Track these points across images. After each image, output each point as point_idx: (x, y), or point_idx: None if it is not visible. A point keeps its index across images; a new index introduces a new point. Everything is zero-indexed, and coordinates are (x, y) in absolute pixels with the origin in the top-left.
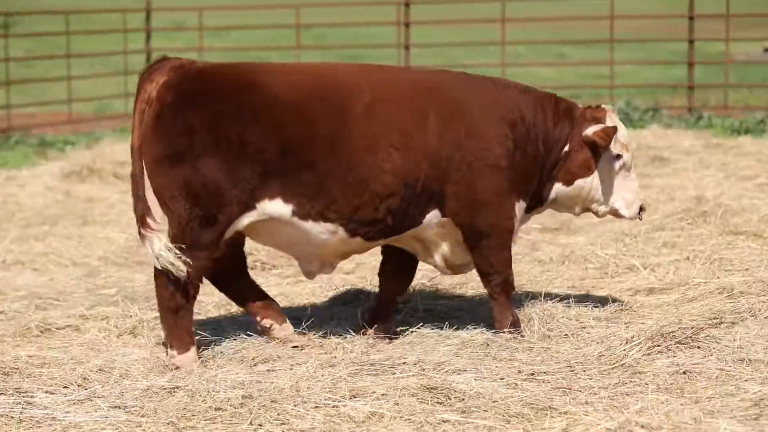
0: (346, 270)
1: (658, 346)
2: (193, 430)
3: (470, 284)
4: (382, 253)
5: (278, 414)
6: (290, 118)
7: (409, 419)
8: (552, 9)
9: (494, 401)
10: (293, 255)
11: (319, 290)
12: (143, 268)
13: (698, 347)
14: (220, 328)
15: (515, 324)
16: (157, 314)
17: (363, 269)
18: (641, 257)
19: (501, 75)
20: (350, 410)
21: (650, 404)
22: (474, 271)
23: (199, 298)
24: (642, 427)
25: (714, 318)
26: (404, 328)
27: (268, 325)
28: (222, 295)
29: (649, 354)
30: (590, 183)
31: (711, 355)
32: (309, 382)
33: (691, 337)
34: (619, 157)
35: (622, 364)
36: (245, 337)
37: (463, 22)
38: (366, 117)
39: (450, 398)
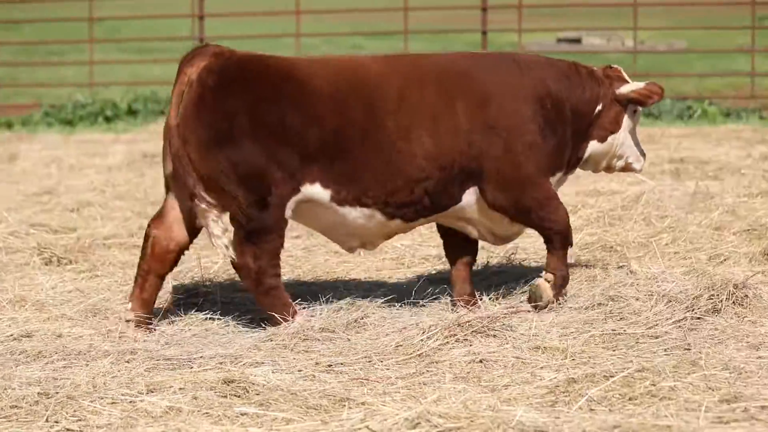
0: None
1: (455, 335)
2: None
3: None
4: (440, 233)
5: (75, 410)
6: (327, 107)
7: (207, 413)
8: (348, 1)
9: (292, 393)
10: (335, 239)
11: (114, 285)
12: None
13: (494, 336)
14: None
15: (564, 279)
16: None
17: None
18: (437, 247)
19: None
20: (147, 405)
21: (448, 393)
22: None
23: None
24: (440, 416)
25: (511, 307)
26: (205, 318)
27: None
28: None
29: (446, 343)
30: (620, 138)
31: (507, 344)
32: (105, 377)
33: (487, 326)
34: (635, 112)
35: (419, 354)
36: (43, 334)
37: (257, 14)
38: (396, 105)
39: (248, 391)
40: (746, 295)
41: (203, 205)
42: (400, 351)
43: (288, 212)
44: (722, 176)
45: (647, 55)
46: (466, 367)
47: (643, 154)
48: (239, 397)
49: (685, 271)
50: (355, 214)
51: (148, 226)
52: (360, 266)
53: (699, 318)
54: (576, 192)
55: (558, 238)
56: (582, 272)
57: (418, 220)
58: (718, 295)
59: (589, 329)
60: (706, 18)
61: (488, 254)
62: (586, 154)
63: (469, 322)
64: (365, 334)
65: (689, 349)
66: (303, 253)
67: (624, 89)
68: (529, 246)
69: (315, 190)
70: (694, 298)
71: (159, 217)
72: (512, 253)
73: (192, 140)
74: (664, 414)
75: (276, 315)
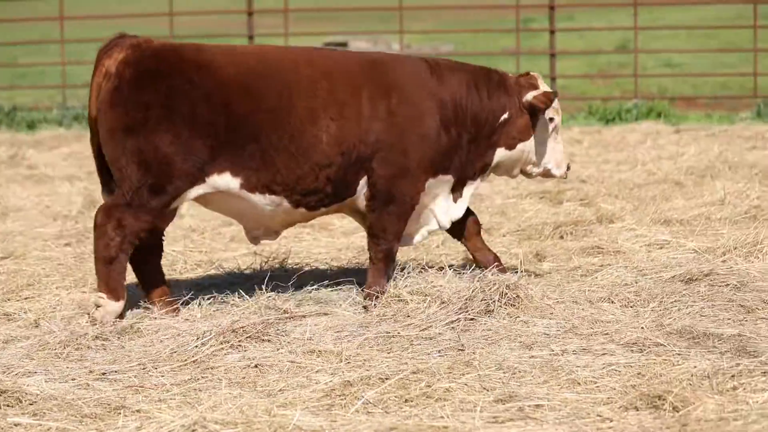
0: None
1: (230, 341)
2: None
3: None
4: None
5: None
6: (237, 95)
7: None
8: (110, 7)
9: (66, 402)
10: (242, 224)
11: None
12: None
13: (269, 341)
14: None
15: (381, 292)
16: None
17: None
18: (209, 253)
19: (62, 73)
20: None
21: (224, 399)
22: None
23: None
24: (216, 422)
25: (285, 312)
26: None
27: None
28: None
29: (221, 349)
30: (530, 146)
31: (282, 348)
32: None
33: (261, 331)
34: (552, 120)
35: (194, 361)
36: None
37: (20, 20)
38: (306, 91)
39: (21, 401)
40: (518, 296)
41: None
42: (175, 357)
43: (179, 202)
44: (492, 178)
45: None
46: (242, 373)
47: (566, 160)
48: (12, 407)
49: (457, 273)
50: (264, 201)
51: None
52: (132, 273)
53: (472, 319)
54: None
55: (383, 246)
56: (355, 274)
57: (320, 209)
58: (490, 296)
59: (363, 332)
60: (471, 21)
61: (261, 260)
62: (494, 161)
63: (243, 327)
64: (139, 341)
65: (463, 350)
66: (75, 262)
67: (527, 96)
68: (302, 250)
69: (224, 180)
70: (467, 300)
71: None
72: (285, 258)
73: (103, 126)
74: (440, 415)
75: (104, 287)
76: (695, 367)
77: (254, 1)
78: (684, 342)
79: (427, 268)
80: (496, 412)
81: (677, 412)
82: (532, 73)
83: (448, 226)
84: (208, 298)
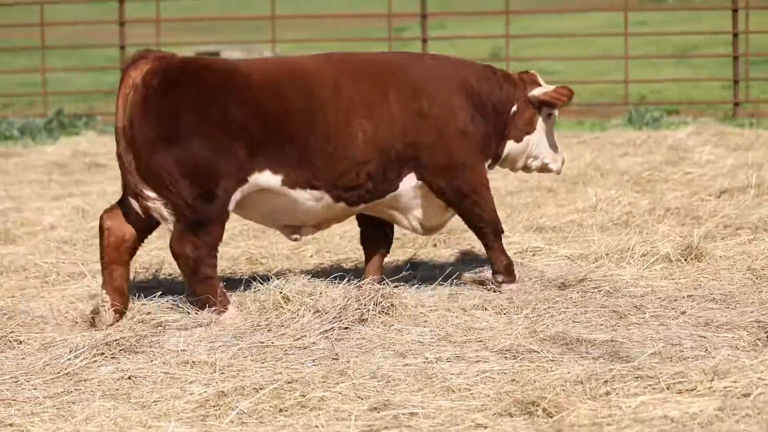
0: None
1: (103, 354)
2: None
3: None
4: (359, 223)
5: None
6: (265, 95)
7: None
8: None
9: None
10: (275, 225)
11: None
12: None
13: (143, 353)
14: None
15: (509, 267)
16: None
17: None
18: (84, 264)
19: None
20: None
21: (97, 411)
22: None
23: None
24: None
25: (159, 325)
26: None
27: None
28: None
29: (94, 361)
30: (535, 139)
31: (155, 360)
32: None
33: (135, 343)
34: (550, 115)
35: (67, 373)
36: None
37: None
38: (333, 93)
39: None
40: (392, 304)
41: (148, 203)
42: (48, 370)
43: (232, 204)
44: None
45: None
46: (115, 385)
47: (561, 156)
48: None
49: (332, 282)
50: (305, 196)
51: (101, 218)
52: (2, 286)
53: (347, 328)
54: None
55: (490, 231)
56: (229, 286)
57: (359, 205)
58: (365, 304)
59: (237, 342)
60: (343, 30)
61: (134, 271)
62: (505, 153)
63: (116, 340)
64: (11, 353)
65: (337, 359)
66: None
67: (536, 92)
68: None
69: (265, 178)
70: (341, 309)
71: (112, 209)
72: (158, 269)
73: (139, 139)
74: (315, 424)
75: (210, 305)
76: (568, 372)
77: (126, 11)
78: (557, 348)
79: (302, 276)
80: (371, 421)
81: (551, 417)
82: (531, 71)
83: None
84: (80, 309)
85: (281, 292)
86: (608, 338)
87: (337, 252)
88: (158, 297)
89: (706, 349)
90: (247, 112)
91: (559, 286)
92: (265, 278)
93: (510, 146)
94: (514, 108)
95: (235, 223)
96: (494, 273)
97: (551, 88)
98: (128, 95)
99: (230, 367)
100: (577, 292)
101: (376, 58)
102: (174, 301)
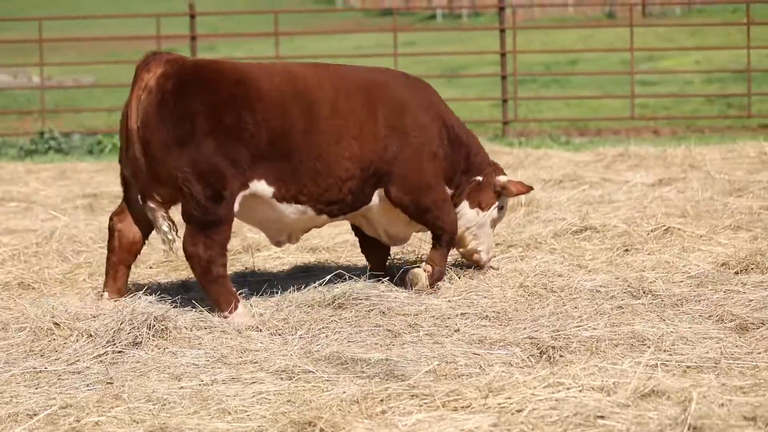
0: None
1: None
2: None
3: None
4: (356, 233)
5: None
6: (274, 110)
7: None
8: None
9: None
10: (264, 231)
11: None
12: None
13: None
14: None
15: (440, 275)
16: None
17: None
18: None
19: None
20: None
21: None
22: None
23: None
24: None
25: None
26: None
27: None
28: None
29: None
30: (483, 220)
31: None
32: None
33: None
34: (502, 208)
35: None
36: None
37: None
38: (330, 111)
39: None
40: (166, 327)
41: (153, 204)
42: None
43: (236, 207)
44: None
45: (55, 91)
46: None
47: (492, 253)
48: None
49: (102, 306)
50: (291, 210)
51: (111, 220)
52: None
53: (120, 351)
54: None
55: (446, 237)
56: None
57: (338, 216)
58: (138, 327)
59: (9, 368)
60: (111, 52)
61: None
62: (458, 209)
63: None
64: None
65: (112, 383)
66: None
67: (502, 178)
68: None
69: (261, 187)
70: (115, 332)
71: (121, 212)
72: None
73: (154, 141)
74: None
75: (221, 303)
76: (344, 392)
77: None
78: (333, 368)
79: (75, 300)
80: None
81: None
82: (496, 163)
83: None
84: None
85: (53, 317)
86: (383, 357)
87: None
88: None
89: (481, 366)
90: (258, 121)
91: (335, 306)
92: (37, 303)
93: (464, 206)
94: (480, 178)
95: (4, 248)
96: (426, 265)
97: (515, 180)
98: (141, 97)
99: (3, 394)
100: (352, 312)
101: (369, 72)
102: None
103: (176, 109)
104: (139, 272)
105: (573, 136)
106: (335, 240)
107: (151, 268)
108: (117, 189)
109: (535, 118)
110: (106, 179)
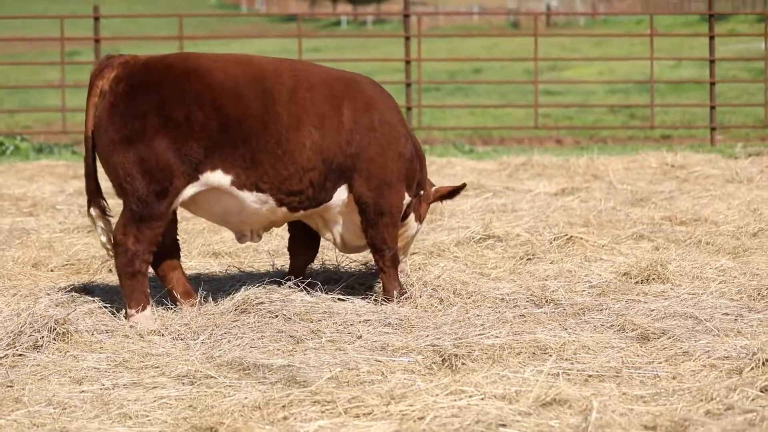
0: None
1: None
2: None
3: None
4: (290, 230)
5: None
6: (226, 98)
7: None
8: None
9: None
10: (227, 226)
11: None
12: None
13: None
14: None
15: (401, 292)
16: None
17: None
18: None
19: None
20: None
21: None
22: None
23: None
24: None
25: None
26: None
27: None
28: None
29: None
30: (416, 229)
31: None
32: None
33: None
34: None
35: None
36: None
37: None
38: (289, 99)
39: None
40: (68, 331)
41: (94, 213)
42: None
43: (179, 202)
44: (37, 212)
45: None
46: None
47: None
48: None
49: (6, 307)
50: (251, 198)
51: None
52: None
53: (21, 354)
54: None
55: (388, 254)
56: None
57: (299, 212)
58: (39, 330)
59: None
60: (16, 53)
61: None
62: (406, 221)
63: None
64: None
65: (12, 386)
66: None
67: (440, 187)
68: None
69: (217, 177)
70: (15, 335)
71: None
72: None
73: (101, 143)
74: None
75: (132, 300)
76: (246, 398)
77: None
78: (235, 373)
79: None
80: None
81: None
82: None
83: None
84: None
85: None
86: (285, 363)
87: (10, 278)
88: None
89: (383, 373)
90: (208, 112)
91: (239, 311)
92: None
93: (411, 218)
94: (421, 192)
95: None
96: (385, 294)
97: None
98: (96, 104)
99: None
100: (255, 317)
101: (337, 71)
102: None
103: (127, 111)
104: (41, 275)
105: (477, 144)
106: (238, 245)
107: (52, 271)
108: (18, 191)
109: (439, 126)
110: (6, 181)
